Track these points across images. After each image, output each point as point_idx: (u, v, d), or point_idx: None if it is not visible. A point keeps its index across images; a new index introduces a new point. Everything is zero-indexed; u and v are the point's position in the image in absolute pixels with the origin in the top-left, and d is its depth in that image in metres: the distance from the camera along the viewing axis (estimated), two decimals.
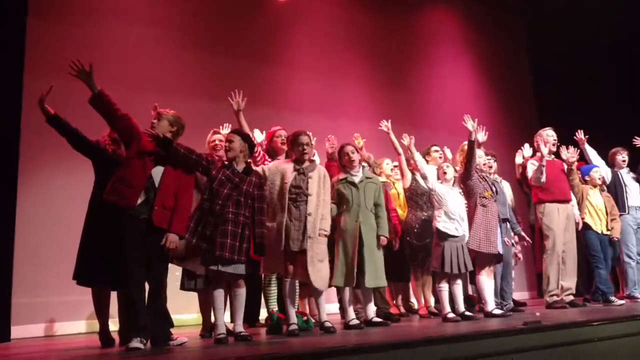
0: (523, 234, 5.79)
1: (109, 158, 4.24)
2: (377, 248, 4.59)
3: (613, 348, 3.82)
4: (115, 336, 4.31)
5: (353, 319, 4.47)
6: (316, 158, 5.00)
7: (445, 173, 4.97)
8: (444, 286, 4.77)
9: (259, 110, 6.93)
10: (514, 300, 5.87)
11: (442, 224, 4.78)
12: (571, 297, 5.70)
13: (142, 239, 3.72)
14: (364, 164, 5.12)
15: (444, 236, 4.76)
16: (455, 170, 5.10)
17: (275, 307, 4.76)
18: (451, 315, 4.70)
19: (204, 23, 7.28)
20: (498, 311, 4.88)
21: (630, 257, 6.21)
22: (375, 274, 4.51)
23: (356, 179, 4.68)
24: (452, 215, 4.78)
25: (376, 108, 8.30)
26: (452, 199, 4.85)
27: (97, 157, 4.30)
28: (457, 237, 4.77)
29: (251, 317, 5.25)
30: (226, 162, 4.10)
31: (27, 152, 5.75)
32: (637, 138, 6.54)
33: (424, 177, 4.97)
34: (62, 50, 5.79)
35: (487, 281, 4.97)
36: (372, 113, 8.28)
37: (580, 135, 6.25)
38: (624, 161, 6.52)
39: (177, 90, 6.56)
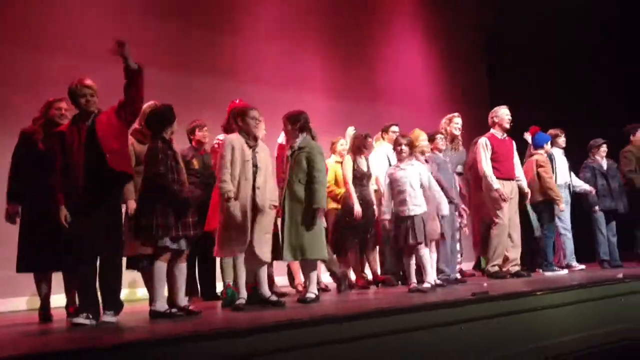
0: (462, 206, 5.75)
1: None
2: (303, 221, 4.32)
3: (556, 315, 3.99)
4: (61, 312, 4.25)
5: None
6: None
7: (401, 151, 4.87)
8: (413, 258, 4.81)
9: (215, 79, 6.78)
10: (461, 271, 5.99)
11: (395, 213, 4.81)
12: (517, 268, 5.86)
13: (88, 214, 3.62)
14: None
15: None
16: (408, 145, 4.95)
17: (231, 281, 4.66)
18: (414, 284, 4.76)
19: None
20: (438, 281, 5.02)
21: (566, 229, 6.54)
22: (293, 247, 4.31)
23: (290, 151, 4.51)
24: (401, 197, 4.77)
25: (334, 82, 8.24)
26: (403, 179, 4.80)
27: None
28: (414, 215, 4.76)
29: (208, 290, 5.27)
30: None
31: None
32: None
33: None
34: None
35: (427, 254, 4.89)
36: (330, 86, 8.23)
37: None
38: (563, 142, 6.73)
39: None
